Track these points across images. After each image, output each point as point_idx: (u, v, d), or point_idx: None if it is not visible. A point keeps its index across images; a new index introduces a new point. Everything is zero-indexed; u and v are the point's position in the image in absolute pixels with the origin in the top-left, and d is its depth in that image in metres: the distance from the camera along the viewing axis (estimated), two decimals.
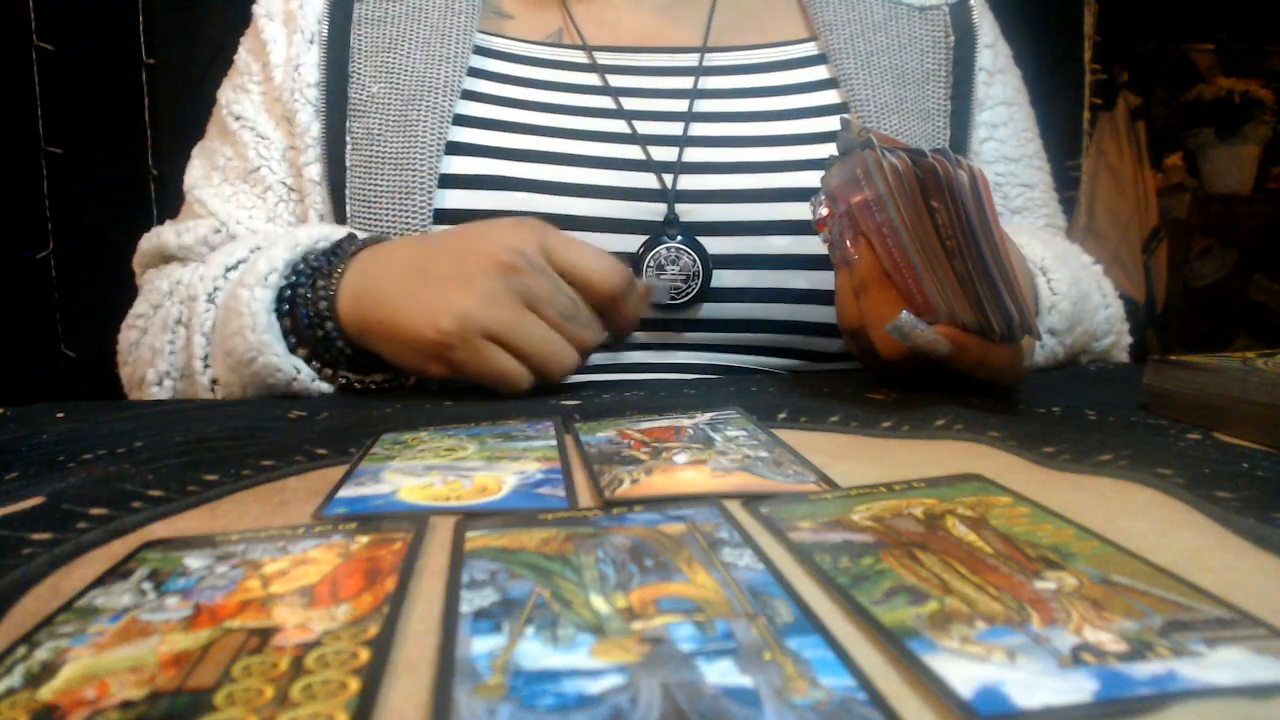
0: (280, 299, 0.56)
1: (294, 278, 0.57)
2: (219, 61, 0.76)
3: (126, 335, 0.68)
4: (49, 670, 0.20)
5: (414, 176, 0.63)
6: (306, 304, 0.55)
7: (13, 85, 1.88)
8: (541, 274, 0.52)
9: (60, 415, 0.51)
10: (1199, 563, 0.25)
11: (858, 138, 0.47)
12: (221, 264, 0.60)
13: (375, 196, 0.64)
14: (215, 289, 0.59)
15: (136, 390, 0.65)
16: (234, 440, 0.42)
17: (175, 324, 0.61)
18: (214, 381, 0.58)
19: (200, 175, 0.71)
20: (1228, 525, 0.28)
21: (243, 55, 0.73)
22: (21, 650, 0.21)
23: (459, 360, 0.51)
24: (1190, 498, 0.30)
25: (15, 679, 0.20)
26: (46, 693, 0.19)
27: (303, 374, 0.55)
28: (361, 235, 0.61)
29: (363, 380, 0.57)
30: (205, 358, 0.58)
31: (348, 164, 0.66)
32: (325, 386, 0.56)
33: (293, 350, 0.56)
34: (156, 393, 0.61)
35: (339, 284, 0.55)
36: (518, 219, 0.55)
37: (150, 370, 0.62)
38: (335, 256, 0.57)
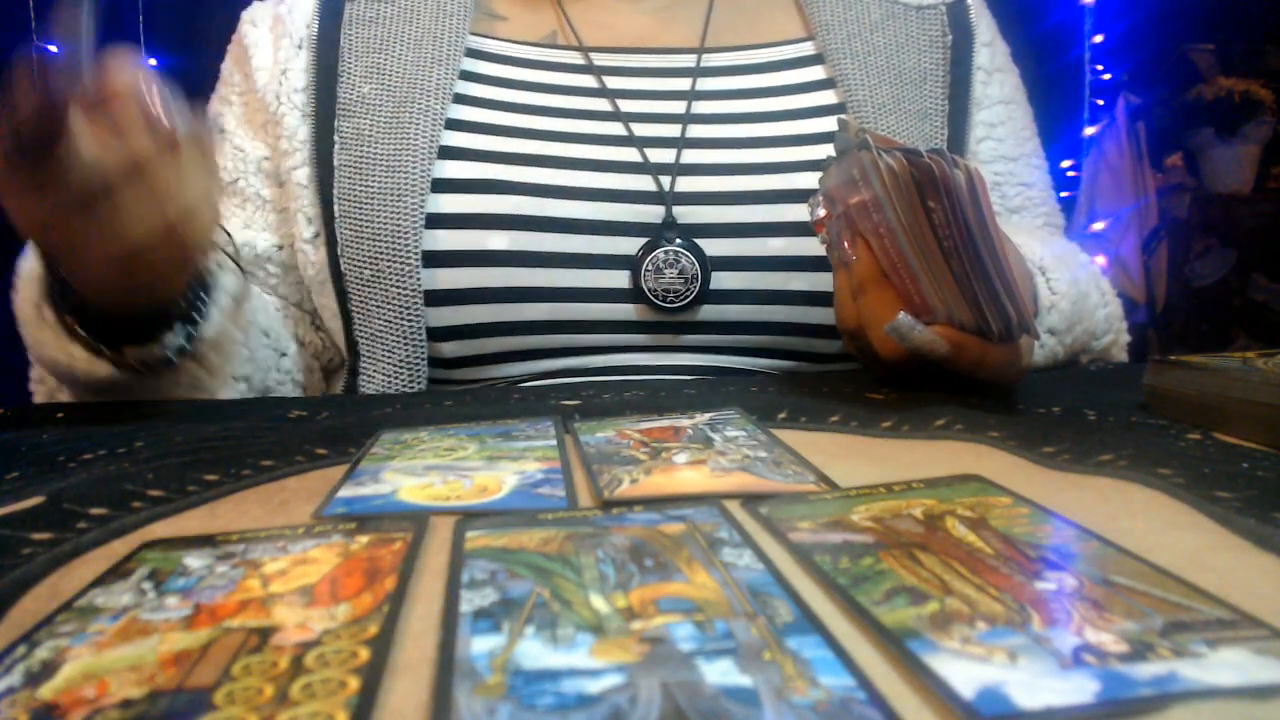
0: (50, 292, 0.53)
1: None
2: (217, 65, 0.76)
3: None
4: (49, 669, 0.20)
5: (405, 179, 0.63)
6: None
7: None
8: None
9: (60, 415, 0.51)
10: (1199, 563, 0.25)
11: (855, 138, 0.47)
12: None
13: (366, 198, 0.64)
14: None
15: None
16: (234, 440, 0.42)
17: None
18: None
19: None
20: (1228, 525, 0.28)
21: (227, 65, 0.73)
22: (21, 649, 0.21)
23: (95, 246, 0.45)
24: (1190, 498, 0.30)
25: (15, 678, 0.20)
26: (46, 691, 0.19)
27: (75, 356, 0.52)
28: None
29: (119, 357, 0.52)
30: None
31: (335, 164, 0.65)
32: (106, 369, 0.52)
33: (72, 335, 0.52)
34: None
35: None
36: None
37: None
38: None
